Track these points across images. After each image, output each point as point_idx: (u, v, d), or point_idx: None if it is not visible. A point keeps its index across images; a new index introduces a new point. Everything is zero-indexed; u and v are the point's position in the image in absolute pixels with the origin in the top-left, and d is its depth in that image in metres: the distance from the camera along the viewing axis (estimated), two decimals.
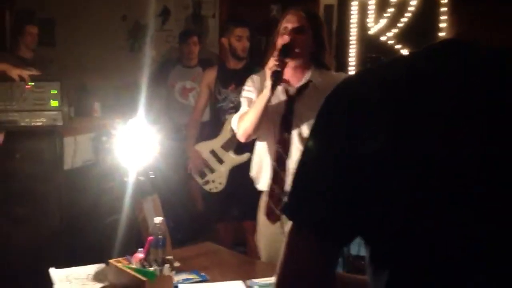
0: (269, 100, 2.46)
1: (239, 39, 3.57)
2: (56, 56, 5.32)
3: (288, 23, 2.51)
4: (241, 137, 2.64)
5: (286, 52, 2.43)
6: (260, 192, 2.73)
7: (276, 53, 2.45)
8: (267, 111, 2.47)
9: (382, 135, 0.77)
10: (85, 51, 5.59)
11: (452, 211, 0.75)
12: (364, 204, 0.79)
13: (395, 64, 0.84)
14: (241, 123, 2.58)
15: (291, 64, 2.49)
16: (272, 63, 2.43)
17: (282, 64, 2.42)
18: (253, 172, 2.73)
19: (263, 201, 2.70)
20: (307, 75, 2.54)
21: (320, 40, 2.56)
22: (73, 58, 5.52)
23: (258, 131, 2.57)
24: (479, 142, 0.73)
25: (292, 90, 2.55)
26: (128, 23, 5.64)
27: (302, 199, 0.84)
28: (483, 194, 0.73)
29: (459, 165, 0.74)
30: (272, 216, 2.61)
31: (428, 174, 0.75)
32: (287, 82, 2.55)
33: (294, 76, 2.55)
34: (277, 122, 2.55)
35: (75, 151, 3.88)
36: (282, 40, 2.48)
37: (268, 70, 2.46)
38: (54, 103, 3.77)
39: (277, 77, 2.43)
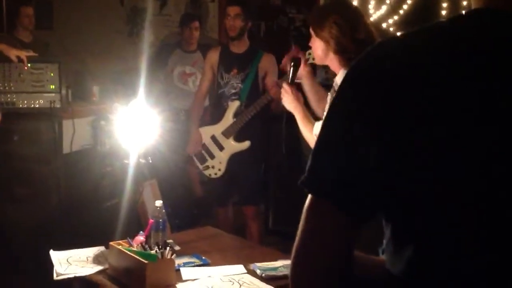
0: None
1: (227, 17, 3.54)
2: (54, 40, 5.26)
3: None
4: None
5: None
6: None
7: None
8: None
9: (415, 109, 0.75)
10: (83, 35, 5.54)
11: (484, 186, 0.73)
12: (389, 177, 0.78)
13: (425, 36, 0.80)
14: None
15: None
16: None
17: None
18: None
19: None
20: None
21: None
22: (71, 41, 5.47)
23: None
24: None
25: None
26: (126, 7, 5.59)
27: (324, 172, 0.82)
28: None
29: (491, 142, 0.73)
30: None
31: (458, 148, 0.74)
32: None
33: None
34: None
35: (74, 135, 3.86)
36: None
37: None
38: (52, 86, 3.73)
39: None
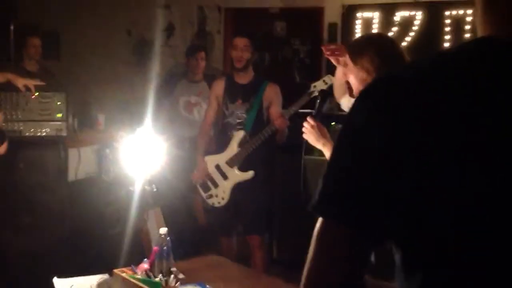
0: None
1: (235, 48, 3.58)
2: (60, 69, 5.33)
3: None
4: None
5: None
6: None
7: None
8: None
9: (422, 134, 0.76)
10: (90, 65, 5.61)
11: (490, 212, 0.74)
12: (399, 200, 0.78)
13: (431, 63, 0.83)
14: None
15: None
16: None
17: None
18: None
19: None
20: None
21: None
22: (77, 71, 5.54)
23: None
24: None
25: None
26: (133, 38, 5.68)
27: (337, 196, 0.83)
28: None
29: (502, 168, 0.73)
30: None
31: (463, 173, 0.74)
32: None
33: None
34: None
35: (79, 163, 3.88)
36: None
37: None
38: (59, 114, 3.77)
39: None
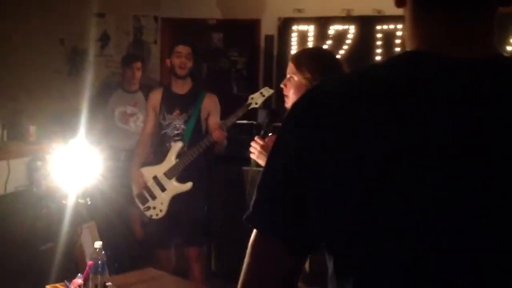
0: None
1: (178, 56, 3.57)
2: None
3: None
4: None
5: None
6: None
7: None
8: None
9: (348, 146, 0.78)
10: (20, 74, 5.40)
11: (421, 214, 0.76)
12: (328, 210, 0.80)
13: (360, 74, 0.86)
14: None
15: None
16: None
17: None
18: None
19: None
20: None
21: None
22: (7, 81, 5.33)
23: None
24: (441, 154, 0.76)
25: None
26: (66, 47, 5.52)
27: (266, 207, 0.84)
28: (458, 203, 0.75)
29: (427, 175, 0.76)
30: None
31: (389, 178, 0.76)
32: None
33: None
34: None
35: (8, 176, 3.71)
36: None
37: None
38: None
39: None
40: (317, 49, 2.98)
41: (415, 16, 0.85)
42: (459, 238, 0.75)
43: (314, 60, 2.25)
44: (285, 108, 2.42)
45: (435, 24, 0.83)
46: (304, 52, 2.49)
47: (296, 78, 2.25)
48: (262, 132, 2.41)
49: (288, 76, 2.29)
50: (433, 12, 0.83)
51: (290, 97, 2.28)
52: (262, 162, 2.31)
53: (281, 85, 2.32)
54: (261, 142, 2.28)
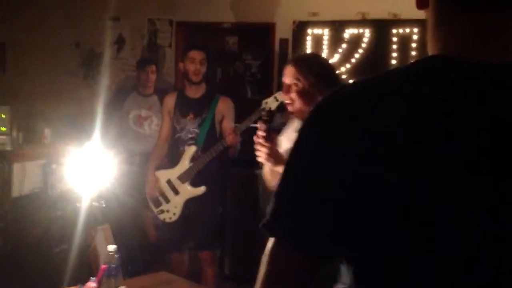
0: None
1: (192, 61, 3.56)
2: (5, 82, 5.17)
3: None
4: None
5: None
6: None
7: None
8: None
9: (369, 151, 0.76)
10: (37, 77, 5.46)
11: (454, 233, 0.73)
12: (349, 220, 0.78)
13: (379, 81, 0.82)
14: None
15: None
16: None
17: None
18: None
19: None
20: None
21: None
22: (24, 83, 5.38)
23: None
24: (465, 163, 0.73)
25: None
26: (81, 50, 5.57)
27: (284, 215, 0.82)
28: (478, 216, 0.72)
29: (443, 186, 0.73)
30: None
31: (408, 190, 0.74)
32: None
33: None
34: None
35: (24, 178, 3.74)
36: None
37: None
38: (3, 128, 3.64)
39: None
40: (313, 54, 3.03)
41: (439, 16, 0.80)
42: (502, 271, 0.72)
43: (316, 64, 2.34)
44: (288, 112, 2.43)
45: (463, 25, 0.78)
46: (304, 57, 2.58)
47: (300, 83, 2.29)
48: (265, 136, 2.36)
49: (289, 82, 2.32)
50: (461, 10, 0.77)
51: (296, 102, 2.30)
52: (271, 165, 2.31)
53: (282, 92, 2.35)
54: (267, 144, 2.28)
